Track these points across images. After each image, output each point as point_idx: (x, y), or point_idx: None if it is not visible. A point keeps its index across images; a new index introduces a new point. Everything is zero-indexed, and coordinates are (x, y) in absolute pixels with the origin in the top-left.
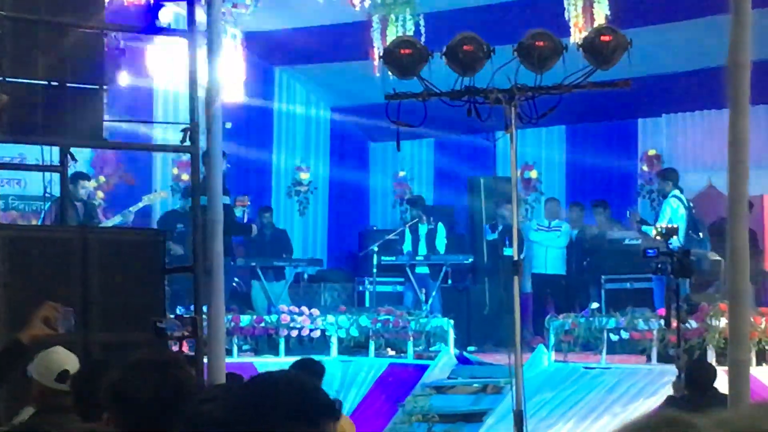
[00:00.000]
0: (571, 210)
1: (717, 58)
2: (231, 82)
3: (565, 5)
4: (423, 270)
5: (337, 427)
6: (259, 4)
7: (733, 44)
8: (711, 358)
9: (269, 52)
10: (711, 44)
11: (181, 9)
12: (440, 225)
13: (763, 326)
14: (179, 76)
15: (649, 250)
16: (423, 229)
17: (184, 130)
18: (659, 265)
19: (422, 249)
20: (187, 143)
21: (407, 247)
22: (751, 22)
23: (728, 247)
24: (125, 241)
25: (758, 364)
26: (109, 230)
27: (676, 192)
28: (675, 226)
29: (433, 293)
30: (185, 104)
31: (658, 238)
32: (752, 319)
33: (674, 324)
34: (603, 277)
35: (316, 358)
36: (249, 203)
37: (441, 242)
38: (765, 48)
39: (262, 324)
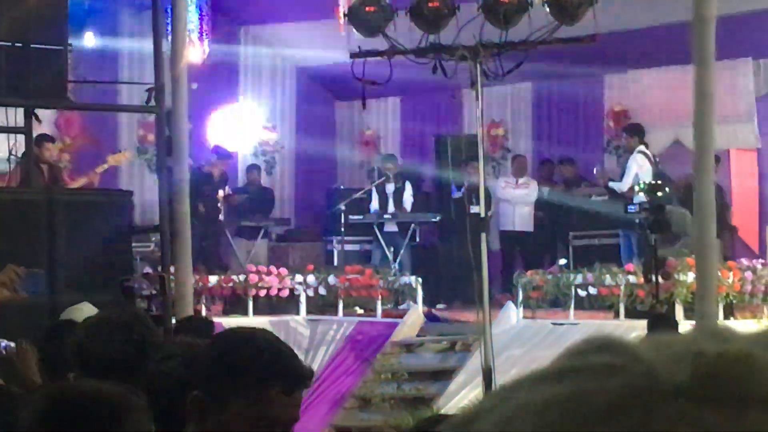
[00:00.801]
0: (544, 167)
1: (683, 13)
2: (197, 42)
3: None
4: (391, 228)
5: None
6: None
7: None
8: (679, 312)
9: (235, 12)
10: None
11: None
12: (407, 183)
13: (730, 280)
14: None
15: (630, 206)
16: (390, 188)
17: (149, 91)
18: (638, 221)
19: (390, 208)
20: (152, 104)
21: (374, 206)
22: None
23: (695, 202)
24: (91, 203)
25: (725, 318)
26: (74, 192)
27: (642, 147)
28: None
29: (402, 251)
30: (151, 65)
31: (641, 194)
32: (719, 274)
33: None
34: (570, 233)
35: (285, 318)
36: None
37: (408, 201)
38: (729, 3)
39: (231, 284)
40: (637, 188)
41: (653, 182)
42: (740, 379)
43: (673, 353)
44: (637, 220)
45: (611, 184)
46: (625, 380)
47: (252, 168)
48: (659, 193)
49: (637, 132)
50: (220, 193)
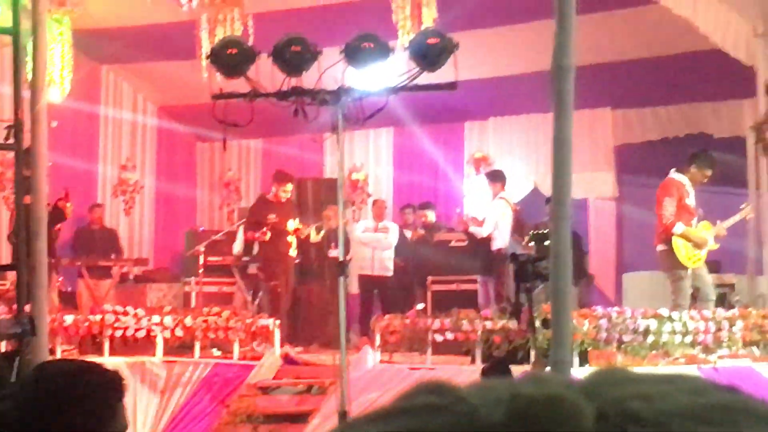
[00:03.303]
0: (404, 213)
1: (542, 62)
2: (57, 79)
3: (393, 7)
4: (253, 270)
5: None
6: (87, 1)
7: (557, 48)
8: (533, 358)
9: (97, 51)
10: (537, 48)
11: (6, 5)
12: None
13: (585, 328)
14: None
15: (520, 254)
16: None
17: (7, 128)
18: (525, 269)
19: (255, 249)
20: (11, 141)
21: (237, 247)
22: (575, 27)
23: (551, 250)
24: None
25: (580, 365)
26: None
27: (504, 194)
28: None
29: (260, 294)
30: (10, 102)
31: (531, 243)
32: (574, 321)
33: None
34: (429, 278)
35: (142, 358)
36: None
37: None
38: (588, 53)
39: (87, 324)
40: (527, 238)
41: (541, 231)
42: (549, 419)
43: (494, 395)
44: (517, 264)
45: (472, 228)
46: (448, 419)
47: (95, 206)
48: (546, 243)
49: (499, 178)
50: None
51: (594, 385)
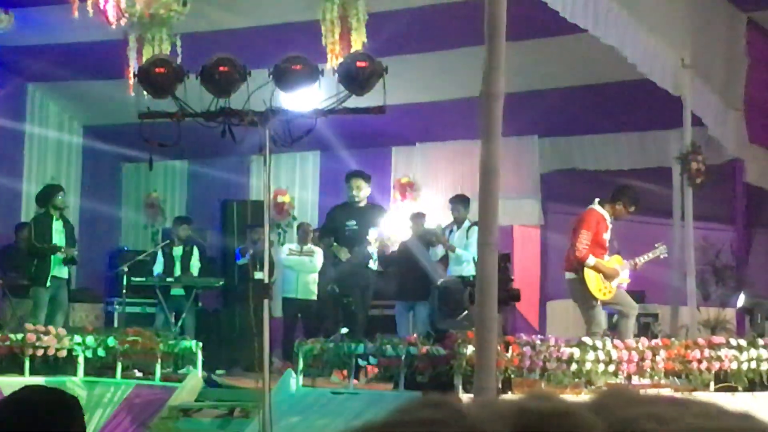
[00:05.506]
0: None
1: (471, 89)
2: None
3: (323, 31)
4: (178, 292)
5: None
6: (14, 19)
7: (486, 75)
8: (458, 384)
9: (23, 68)
10: (466, 75)
11: None
12: (195, 248)
13: (509, 355)
14: None
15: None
16: (178, 252)
17: None
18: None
19: (176, 271)
20: None
21: (159, 268)
22: (505, 55)
23: (477, 276)
24: None
25: (503, 392)
26: None
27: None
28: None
29: (183, 315)
30: None
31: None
32: (498, 348)
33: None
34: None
35: (63, 378)
36: None
37: (195, 265)
38: (516, 80)
39: (7, 343)
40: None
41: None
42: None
43: (497, 411)
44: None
45: (459, 251)
46: None
47: (22, 226)
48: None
49: (468, 204)
50: None
51: (604, 403)
